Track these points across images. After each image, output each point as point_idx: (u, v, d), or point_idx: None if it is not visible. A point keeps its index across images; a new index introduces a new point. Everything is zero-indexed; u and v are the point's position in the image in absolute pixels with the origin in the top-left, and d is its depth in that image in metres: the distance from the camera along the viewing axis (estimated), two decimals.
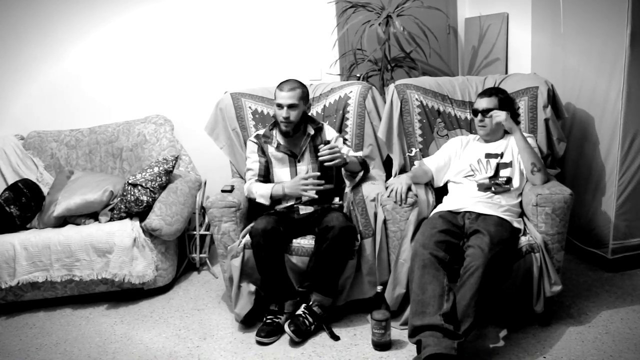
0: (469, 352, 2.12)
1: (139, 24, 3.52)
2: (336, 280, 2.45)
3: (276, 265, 2.43)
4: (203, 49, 3.59)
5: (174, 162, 3.04)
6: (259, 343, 2.36)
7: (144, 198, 2.87)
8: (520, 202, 2.48)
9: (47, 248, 2.72)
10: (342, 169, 2.63)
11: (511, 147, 2.52)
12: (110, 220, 2.92)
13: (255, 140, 2.69)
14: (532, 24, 3.17)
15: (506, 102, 2.57)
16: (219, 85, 3.38)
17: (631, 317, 2.36)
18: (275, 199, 2.56)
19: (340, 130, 2.87)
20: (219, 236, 2.55)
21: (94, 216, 2.98)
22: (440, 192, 2.64)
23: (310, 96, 2.79)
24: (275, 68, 3.55)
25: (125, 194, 2.89)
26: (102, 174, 3.23)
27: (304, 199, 2.51)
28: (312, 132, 2.64)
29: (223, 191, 2.59)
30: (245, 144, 2.86)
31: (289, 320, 2.38)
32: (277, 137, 2.65)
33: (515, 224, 2.35)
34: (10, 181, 3.19)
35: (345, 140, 2.80)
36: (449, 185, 2.62)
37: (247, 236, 2.47)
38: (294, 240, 2.50)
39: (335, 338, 2.36)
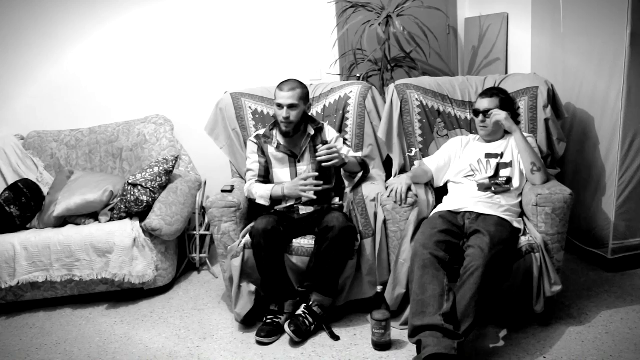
0: (469, 352, 2.12)
1: (138, 24, 3.52)
2: (336, 280, 2.45)
3: (276, 265, 2.43)
4: (203, 49, 3.59)
5: (174, 162, 3.04)
6: (259, 343, 2.36)
7: (144, 198, 2.87)
8: (520, 202, 2.48)
9: (47, 248, 2.72)
10: (341, 169, 2.63)
11: (511, 147, 2.52)
12: (110, 220, 2.92)
13: (255, 141, 2.68)
14: (532, 24, 3.17)
15: (507, 102, 2.57)
16: (219, 85, 3.38)
17: (631, 317, 2.36)
18: (275, 200, 2.56)
19: (340, 130, 2.87)
20: (219, 236, 2.55)
21: (94, 216, 2.98)
22: (440, 192, 2.64)
23: (310, 96, 2.79)
24: (275, 68, 3.55)
25: (125, 194, 2.89)
26: (102, 174, 3.23)
27: (304, 199, 2.51)
28: (312, 132, 2.64)
29: (223, 191, 2.60)
30: (245, 144, 2.86)
31: (289, 320, 2.38)
32: (277, 137, 2.64)
33: (515, 224, 2.35)
34: (10, 181, 3.18)
35: (345, 140, 2.80)
36: (449, 185, 2.62)
37: (247, 236, 2.47)
38: (294, 240, 2.50)
39: (335, 338, 2.36)
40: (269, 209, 2.58)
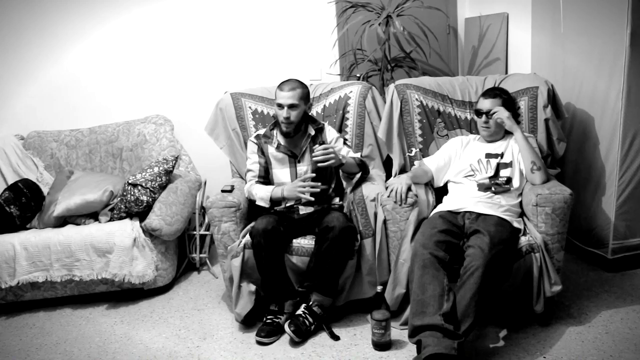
0: (469, 352, 2.12)
1: (138, 24, 3.52)
2: (336, 280, 2.45)
3: (276, 265, 2.43)
4: (203, 49, 3.59)
5: (174, 162, 3.04)
6: (259, 343, 2.36)
7: (144, 198, 2.87)
8: (520, 202, 2.48)
9: (47, 248, 2.72)
10: (340, 170, 2.63)
11: (511, 148, 2.52)
12: (110, 220, 2.92)
13: (255, 141, 2.68)
14: (532, 24, 3.17)
15: (509, 102, 2.58)
16: (219, 85, 3.38)
17: (631, 317, 2.36)
18: (275, 201, 2.56)
19: (340, 130, 2.87)
20: (219, 236, 2.55)
21: (94, 216, 2.98)
22: (440, 192, 2.64)
23: (310, 96, 2.79)
24: (275, 68, 3.55)
25: (125, 194, 2.89)
26: (102, 174, 3.23)
27: (303, 201, 2.51)
28: (312, 132, 2.64)
29: (223, 191, 2.60)
30: (245, 144, 2.86)
31: (289, 320, 2.38)
32: (277, 137, 2.64)
33: (515, 224, 2.35)
34: (10, 181, 3.18)
35: (345, 140, 2.80)
36: (449, 185, 2.62)
37: (247, 236, 2.47)
38: (294, 240, 2.50)
39: (335, 338, 2.36)
40: (269, 209, 2.58)
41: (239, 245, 2.47)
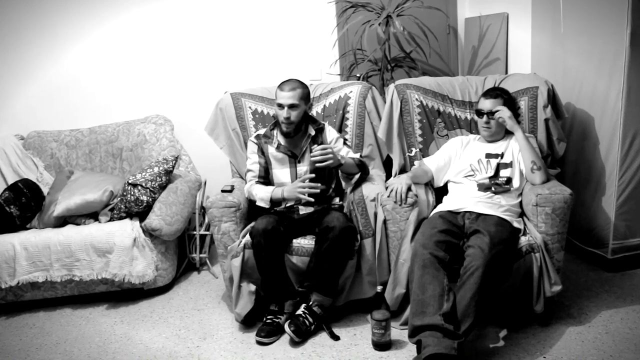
0: (469, 352, 2.12)
1: (138, 24, 3.52)
2: (336, 280, 2.45)
3: (276, 265, 2.43)
4: (203, 49, 3.59)
5: (174, 162, 3.04)
6: (259, 343, 2.36)
7: (144, 198, 2.87)
8: (520, 202, 2.48)
9: (47, 248, 2.72)
10: (339, 170, 2.63)
11: (512, 148, 2.52)
12: (110, 220, 2.92)
13: (256, 141, 2.68)
14: (532, 24, 3.17)
15: (510, 102, 2.58)
16: (219, 85, 3.38)
17: (631, 317, 2.36)
18: (275, 202, 2.56)
19: (340, 130, 2.87)
20: (219, 236, 2.55)
21: (94, 216, 2.98)
22: (440, 192, 2.64)
23: (311, 96, 2.78)
24: (275, 68, 3.55)
25: (125, 194, 2.89)
26: (102, 174, 3.23)
27: (303, 201, 2.51)
28: (312, 132, 2.63)
29: (223, 191, 2.60)
30: (245, 144, 2.86)
31: (289, 320, 2.38)
32: (277, 137, 2.64)
33: (515, 224, 2.35)
34: (10, 181, 3.18)
35: (345, 140, 2.80)
36: (449, 185, 2.62)
37: (247, 236, 2.47)
38: (294, 240, 2.50)
39: (335, 338, 2.36)
40: (269, 209, 2.58)
41: (239, 245, 2.47)
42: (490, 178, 2.47)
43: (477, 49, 3.64)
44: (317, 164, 2.43)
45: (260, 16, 3.59)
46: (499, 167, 2.49)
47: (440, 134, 2.80)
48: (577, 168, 2.92)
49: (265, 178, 2.66)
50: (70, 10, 3.43)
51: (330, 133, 2.70)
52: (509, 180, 2.46)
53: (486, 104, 2.55)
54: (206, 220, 3.20)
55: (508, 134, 2.57)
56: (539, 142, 2.61)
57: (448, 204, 2.49)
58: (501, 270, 2.18)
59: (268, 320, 2.43)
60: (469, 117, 2.81)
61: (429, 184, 2.65)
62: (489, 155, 2.53)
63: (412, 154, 2.77)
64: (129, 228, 2.79)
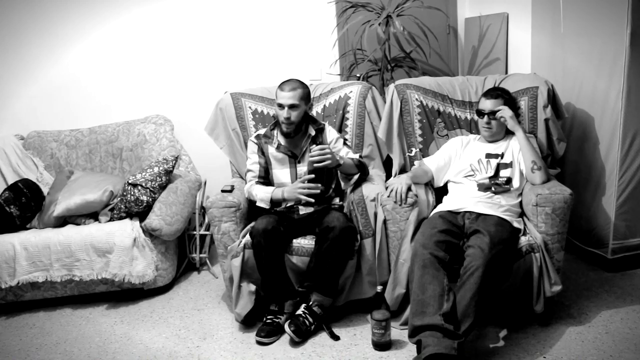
0: (469, 352, 2.12)
1: (138, 24, 3.52)
2: (336, 280, 2.45)
3: (276, 265, 2.43)
4: (203, 49, 3.59)
5: (174, 162, 3.05)
6: (259, 343, 2.36)
7: (144, 198, 2.87)
8: (520, 202, 2.48)
9: (47, 248, 2.72)
10: (338, 170, 2.62)
11: (512, 148, 2.52)
12: (110, 220, 2.92)
13: (256, 141, 2.68)
14: (532, 24, 3.17)
15: (510, 102, 2.58)
16: (219, 85, 3.38)
17: (631, 317, 2.36)
18: (275, 202, 2.56)
19: (340, 130, 2.87)
20: (219, 236, 2.55)
21: (94, 216, 2.98)
22: (440, 192, 2.64)
23: (311, 96, 2.78)
24: (275, 68, 3.55)
25: (125, 194, 2.89)
26: (102, 174, 3.23)
27: (303, 201, 2.51)
28: (313, 132, 2.63)
29: (223, 191, 2.60)
30: (245, 144, 2.86)
31: (289, 320, 2.38)
32: (277, 137, 2.64)
33: (515, 224, 2.35)
34: (10, 181, 3.19)
35: (345, 140, 2.80)
36: (449, 185, 2.62)
37: (247, 236, 2.47)
38: (294, 240, 2.50)
39: (335, 338, 2.36)
40: (269, 209, 2.58)
41: (239, 245, 2.47)
42: (490, 178, 2.47)
43: (477, 49, 3.64)
44: (316, 165, 2.43)
45: (260, 16, 3.59)
46: (499, 167, 2.49)
47: (440, 134, 2.80)
48: (577, 168, 2.92)
49: (265, 178, 2.65)
50: (70, 10, 3.43)
51: (331, 133, 2.70)
52: (509, 180, 2.46)
53: (487, 104, 2.55)
54: (206, 220, 3.20)
55: (508, 134, 2.57)
56: (539, 142, 2.61)
57: (448, 204, 2.50)
58: (501, 270, 2.18)
59: (268, 320, 2.43)
60: (469, 117, 2.81)
61: (429, 184, 2.65)
62: (489, 155, 2.53)
63: (412, 154, 2.77)
64: (129, 228, 2.79)
